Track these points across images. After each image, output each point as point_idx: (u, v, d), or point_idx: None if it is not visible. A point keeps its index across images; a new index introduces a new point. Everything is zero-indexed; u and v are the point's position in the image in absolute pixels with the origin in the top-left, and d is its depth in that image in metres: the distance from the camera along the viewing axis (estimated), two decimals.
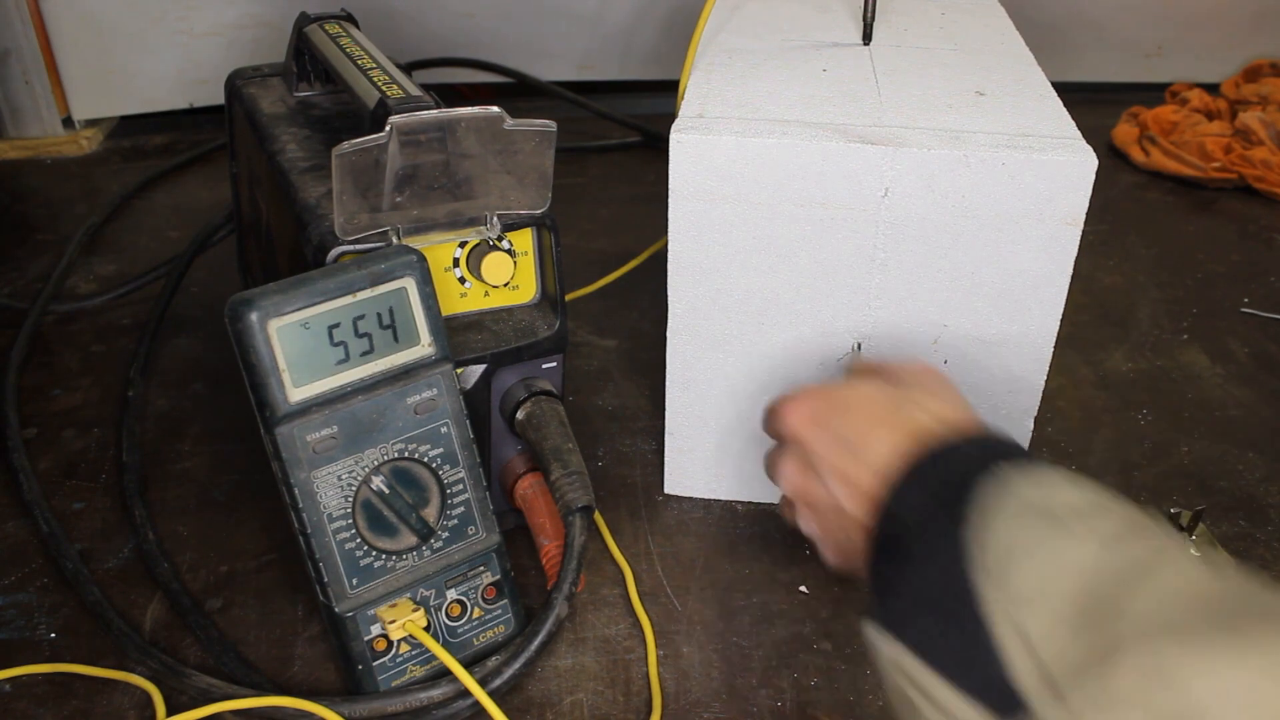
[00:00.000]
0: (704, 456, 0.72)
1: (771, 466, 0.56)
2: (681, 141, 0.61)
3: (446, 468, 0.58)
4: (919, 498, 0.46)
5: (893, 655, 0.42)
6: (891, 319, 0.65)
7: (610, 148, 1.27)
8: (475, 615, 0.60)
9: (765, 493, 0.72)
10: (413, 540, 0.58)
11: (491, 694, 0.57)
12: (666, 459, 0.72)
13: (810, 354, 0.67)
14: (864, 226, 0.62)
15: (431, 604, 0.59)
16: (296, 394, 0.54)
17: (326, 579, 0.56)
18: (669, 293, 0.66)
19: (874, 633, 0.43)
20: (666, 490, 0.74)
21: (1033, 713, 0.34)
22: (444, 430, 0.58)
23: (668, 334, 0.67)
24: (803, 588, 0.67)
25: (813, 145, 0.60)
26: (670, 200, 0.63)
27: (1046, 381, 0.67)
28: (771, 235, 0.63)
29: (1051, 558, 0.38)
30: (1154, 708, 0.32)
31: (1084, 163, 0.59)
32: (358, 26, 0.76)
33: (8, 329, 0.90)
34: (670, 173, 0.62)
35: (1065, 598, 0.37)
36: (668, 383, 0.69)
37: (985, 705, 0.37)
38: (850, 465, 0.50)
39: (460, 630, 0.60)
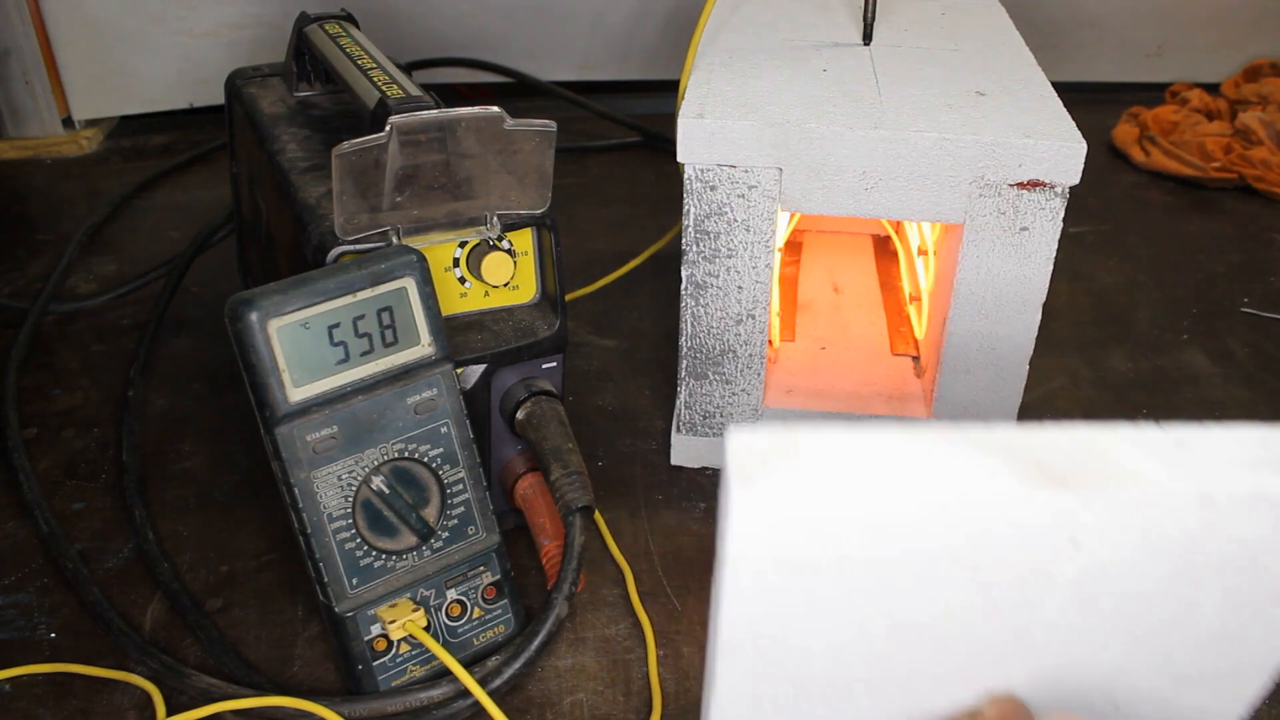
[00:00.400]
0: None
1: None
2: (749, 504, 0.37)
3: (446, 468, 0.58)
4: None
5: None
6: (1045, 693, 0.45)
7: (610, 148, 1.27)
8: (475, 615, 0.60)
9: None
10: (413, 540, 0.58)
11: (491, 694, 0.57)
12: None
13: None
14: (1031, 589, 0.41)
15: (431, 604, 0.59)
16: (296, 394, 0.54)
17: (326, 579, 0.56)
18: (710, 671, 0.43)
19: None
20: None
21: None
22: (444, 430, 0.58)
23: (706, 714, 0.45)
24: None
25: (963, 491, 0.38)
26: (724, 570, 0.39)
27: (1046, 381, 0.67)
28: (880, 610, 0.41)
29: None
30: None
31: None
32: (358, 26, 0.76)
33: (8, 329, 0.90)
34: (725, 537, 0.38)
35: None
36: None
37: None
38: None
39: (460, 630, 0.60)
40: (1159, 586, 0.41)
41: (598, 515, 0.71)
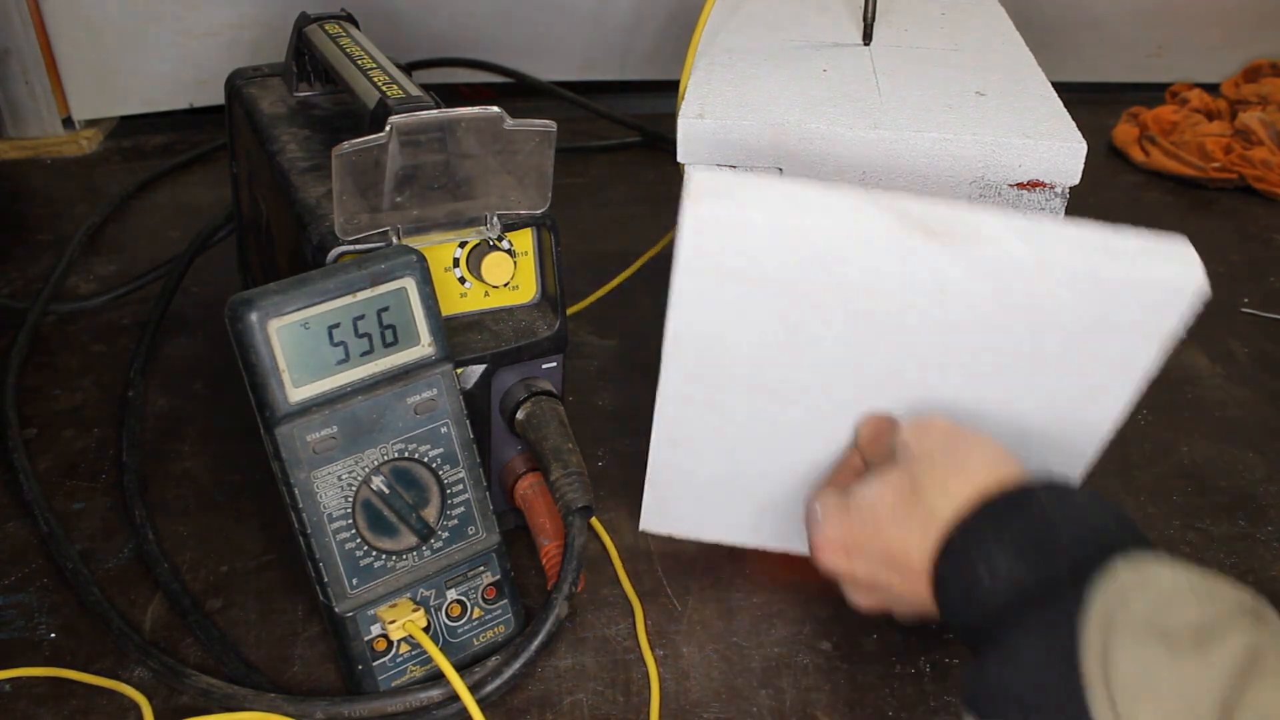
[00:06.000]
0: (686, 503, 0.66)
1: (848, 599, 0.59)
2: (699, 215, 0.51)
3: (446, 468, 0.58)
4: (996, 565, 0.48)
5: None
6: (922, 408, 0.58)
7: (610, 148, 1.27)
8: (475, 615, 0.60)
9: (746, 537, 0.68)
10: (413, 540, 0.58)
11: (491, 694, 0.57)
12: (645, 502, 0.67)
13: (823, 429, 0.60)
14: (909, 323, 0.54)
15: (431, 604, 0.59)
16: (296, 394, 0.54)
17: (326, 579, 0.56)
18: (663, 357, 0.58)
19: None
20: (641, 528, 0.69)
21: None
22: (444, 430, 0.58)
23: (658, 396, 0.59)
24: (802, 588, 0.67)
25: (862, 233, 0.51)
26: (676, 271, 0.54)
27: None
28: (797, 320, 0.55)
29: (1172, 700, 0.39)
30: None
31: (1188, 279, 0.53)
32: (358, 26, 0.76)
33: (8, 329, 0.90)
34: (679, 243, 0.52)
35: None
36: (653, 438, 0.62)
37: None
38: (901, 578, 0.54)
39: (460, 630, 0.60)
40: (1009, 339, 0.54)
41: (595, 522, 0.71)
